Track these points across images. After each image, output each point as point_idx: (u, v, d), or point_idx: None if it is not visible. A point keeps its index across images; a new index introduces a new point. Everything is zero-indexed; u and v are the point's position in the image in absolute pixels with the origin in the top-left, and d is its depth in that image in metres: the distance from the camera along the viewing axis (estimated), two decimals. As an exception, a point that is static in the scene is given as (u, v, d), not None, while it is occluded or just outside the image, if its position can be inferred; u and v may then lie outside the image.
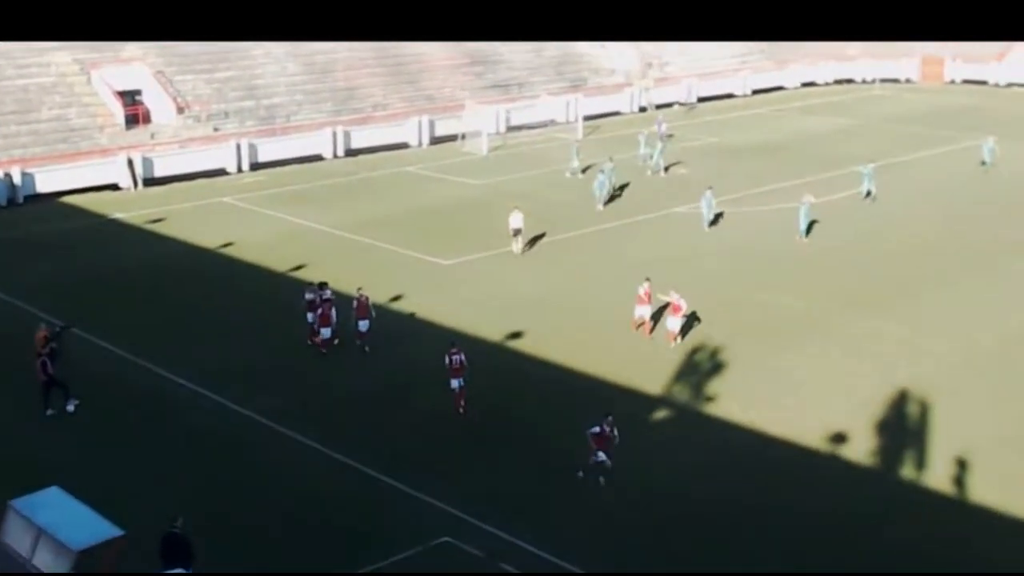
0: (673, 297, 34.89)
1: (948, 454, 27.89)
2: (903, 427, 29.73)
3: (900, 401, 31.04)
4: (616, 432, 26.44)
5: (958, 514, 25.58)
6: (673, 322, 34.82)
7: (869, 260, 43.67)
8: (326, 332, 34.45)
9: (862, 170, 53.06)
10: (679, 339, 34.86)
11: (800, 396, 31.39)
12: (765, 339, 35.38)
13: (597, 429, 26.20)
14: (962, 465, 27.36)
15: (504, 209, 46.31)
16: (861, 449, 28.42)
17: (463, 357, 30.26)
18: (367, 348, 34.44)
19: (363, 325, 34.51)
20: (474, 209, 52.15)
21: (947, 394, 31.25)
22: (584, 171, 57.35)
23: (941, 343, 35.03)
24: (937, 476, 27.04)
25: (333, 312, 34.36)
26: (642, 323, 35.63)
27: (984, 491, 26.19)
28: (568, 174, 57.73)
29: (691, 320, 36.11)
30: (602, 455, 26.12)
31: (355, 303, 34.60)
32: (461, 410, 30.16)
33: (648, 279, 35.88)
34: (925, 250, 44.83)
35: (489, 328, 36.21)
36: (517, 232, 44.29)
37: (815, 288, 40.27)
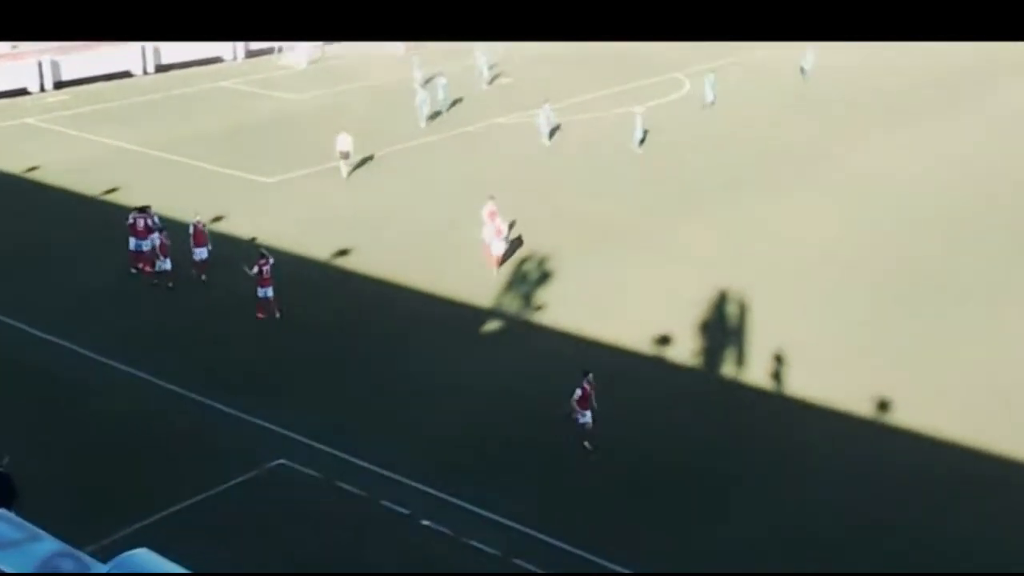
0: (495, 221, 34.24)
1: (767, 351, 29.12)
2: (724, 328, 30.85)
3: (721, 303, 32.17)
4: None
5: (779, 405, 26.83)
6: (497, 247, 34.15)
7: (697, 167, 44.73)
8: (165, 263, 32.68)
9: (705, 79, 54.06)
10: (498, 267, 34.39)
11: (626, 302, 32.18)
12: (593, 247, 36.01)
13: (579, 392, 24.32)
14: (779, 360, 28.64)
15: (327, 125, 45.41)
16: (685, 350, 29.40)
17: (270, 266, 30.40)
18: (204, 277, 33.23)
19: (200, 253, 33.05)
20: (295, 125, 51.02)
21: (768, 296, 32.52)
22: (427, 82, 56.04)
23: (763, 247, 36.33)
24: (756, 372, 28.24)
25: (165, 239, 32.84)
26: (497, 256, 33.75)
27: (800, 384, 27.49)
28: (416, 86, 55.59)
29: (517, 231, 36.44)
30: (587, 415, 24.45)
31: (192, 230, 33.20)
32: (278, 314, 30.43)
33: (492, 197, 35.33)
34: (752, 157, 46.13)
35: (316, 246, 35.75)
36: (345, 155, 43.23)
37: (643, 196, 41.10)
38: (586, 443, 24.48)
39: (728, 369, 28.57)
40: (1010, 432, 25.26)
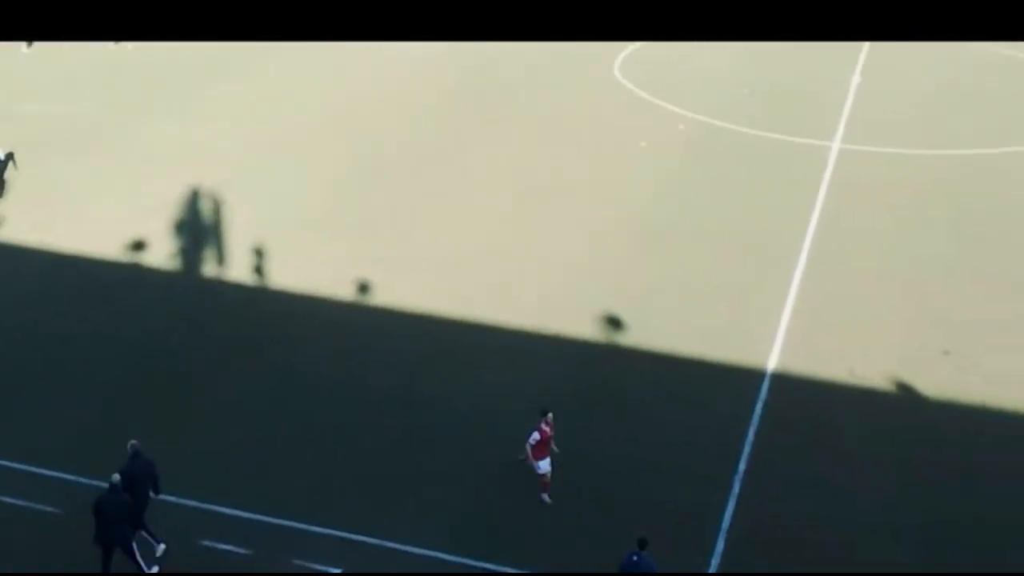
0: None
1: (249, 243, 28.85)
2: (201, 226, 30.13)
3: (196, 200, 31.32)
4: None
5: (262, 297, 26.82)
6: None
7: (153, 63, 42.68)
8: None
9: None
10: None
11: (98, 207, 30.52)
12: (51, 152, 33.58)
13: (536, 435, 20.10)
14: (260, 253, 28.51)
15: None
16: (162, 254, 28.45)
17: None
18: None
19: None
20: None
21: (248, 187, 32.08)
22: None
23: (237, 138, 35.65)
24: (240, 267, 27.95)
25: None
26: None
27: (275, 272, 27.60)
28: None
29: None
30: (544, 465, 20.28)
31: None
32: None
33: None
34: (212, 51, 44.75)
35: None
36: None
37: (101, 94, 38.76)
38: (545, 496, 20.46)
39: (209, 269, 28.01)
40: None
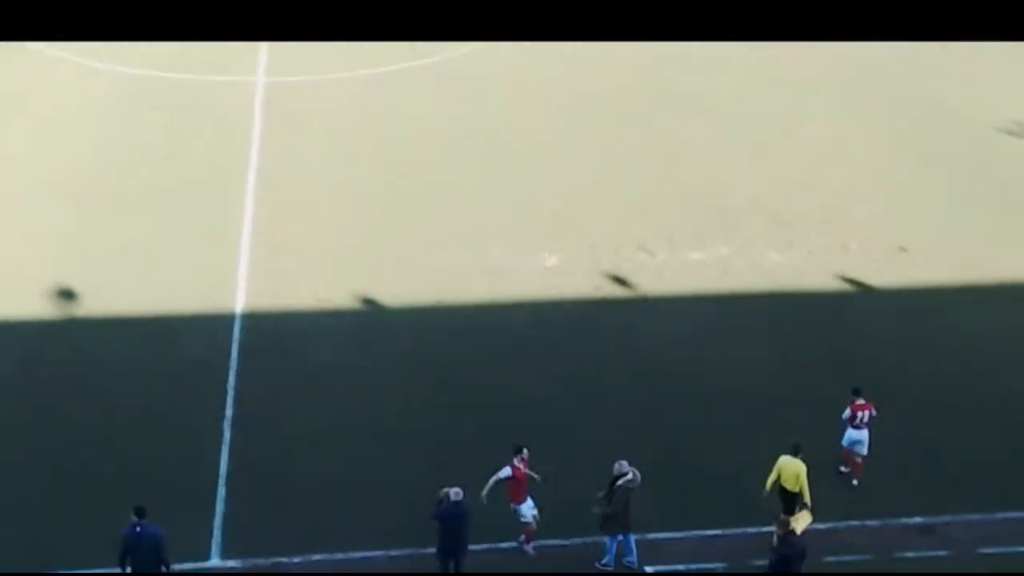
0: None
1: None
2: None
3: None
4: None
5: None
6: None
7: None
8: None
9: None
10: None
11: None
12: None
13: (507, 471, 17.83)
14: None
15: None
16: None
17: None
18: None
19: None
20: None
21: None
22: None
23: None
24: None
25: None
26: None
27: None
28: None
29: None
30: (526, 509, 18.10)
31: None
32: None
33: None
34: None
35: None
36: None
37: None
38: (529, 548, 18.44)
39: None
40: None
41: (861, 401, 19.67)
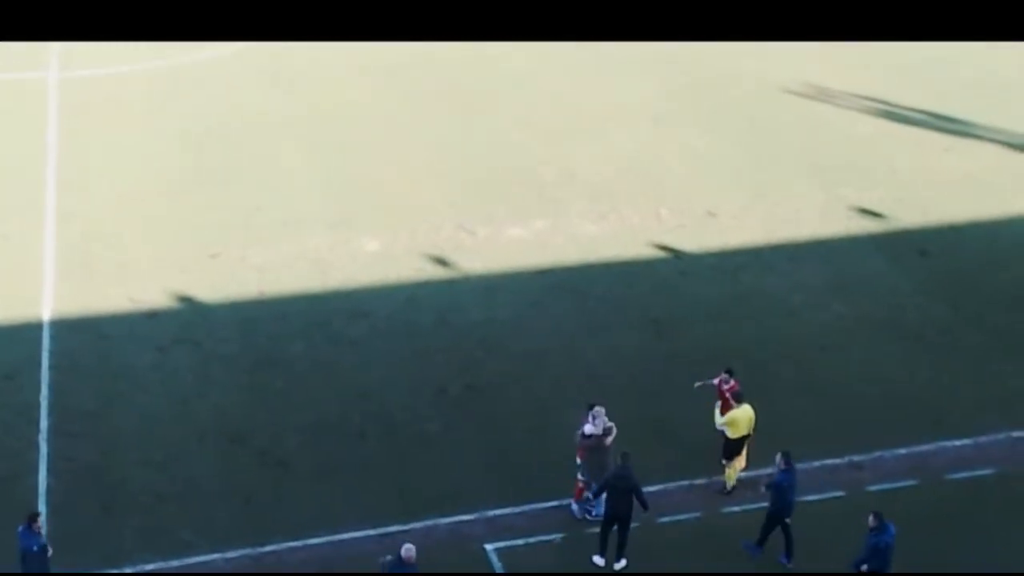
0: None
1: None
2: None
3: None
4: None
5: None
6: None
7: None
8: None
9: None
10: None
11: None
12: None
13: (589, 428, 18.28)
14: None
15: None
16: None
17: None
18: None
19: None
20: None
21: None
22: None
23: None
24: None
25: None
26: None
27: None
28: None
29: None
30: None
31: None
32: None
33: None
34: None
35: None
36: None
37: None
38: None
39: None
40: None
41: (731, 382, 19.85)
